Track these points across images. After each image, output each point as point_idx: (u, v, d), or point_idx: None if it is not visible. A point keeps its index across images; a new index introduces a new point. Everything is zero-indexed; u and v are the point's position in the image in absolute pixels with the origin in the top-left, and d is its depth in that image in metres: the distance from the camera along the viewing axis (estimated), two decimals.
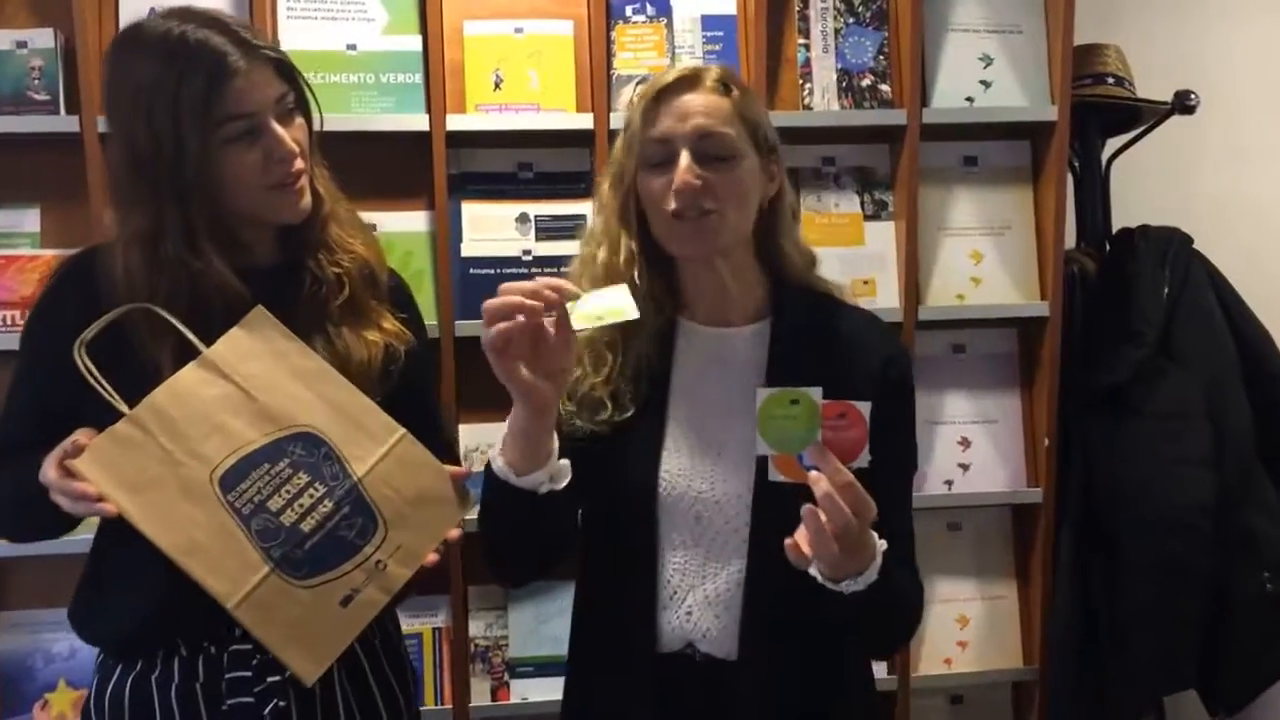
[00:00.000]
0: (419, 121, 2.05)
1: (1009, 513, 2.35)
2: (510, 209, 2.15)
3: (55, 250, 2.02)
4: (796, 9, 2.21)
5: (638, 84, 2.11)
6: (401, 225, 2.13)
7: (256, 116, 1.28)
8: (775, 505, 1.25)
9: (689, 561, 1.33)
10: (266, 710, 1.32)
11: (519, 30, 2.13)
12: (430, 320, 2.03)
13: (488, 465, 1.28)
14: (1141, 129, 2.34)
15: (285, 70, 1.33)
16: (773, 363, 1.35)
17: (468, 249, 2.13)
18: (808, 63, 2.21)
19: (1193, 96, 2.22)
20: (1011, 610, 2.34)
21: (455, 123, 2.06)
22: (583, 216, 2.15)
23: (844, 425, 1.14)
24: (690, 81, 1.32)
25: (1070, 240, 2.31)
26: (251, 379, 1.29)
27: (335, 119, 1.96)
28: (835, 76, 2.21)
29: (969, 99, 2.23)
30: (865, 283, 2.21)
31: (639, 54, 2.15)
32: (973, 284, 2.26)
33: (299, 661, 1.25)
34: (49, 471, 1.22)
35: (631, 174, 1.33)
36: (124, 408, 1.26)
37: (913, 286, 2.19)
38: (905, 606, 1.33)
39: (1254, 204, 2.65)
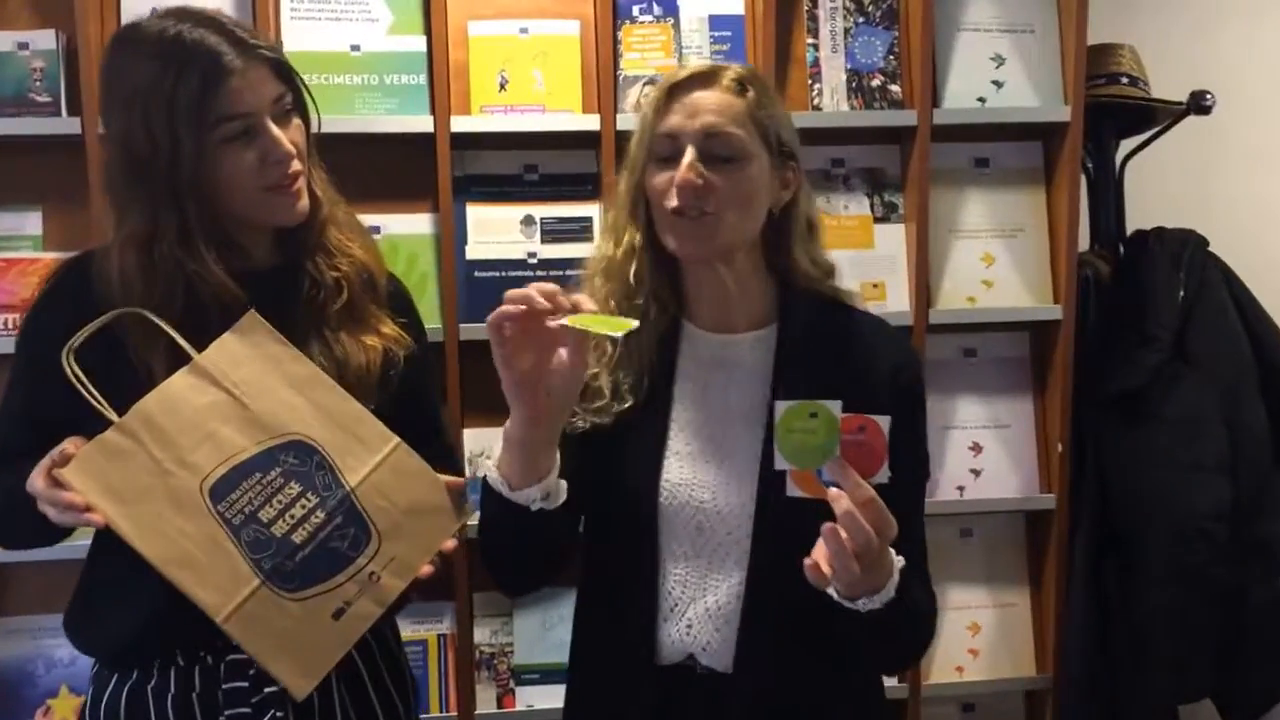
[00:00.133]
0: (423, 123, 2.04)
1: (1021, 519, 2.33)
2: (515, 211, 2.15)
3: (57, 253, 2.01)
4: (805, 8, 2.20)
5: (645, 85, 2.12)
6: (406, 228, 2.12)
7: (253, 117, 1.27)
8: (778, 516, 1.23)
9: (690, 573, 1.30)
10: None
11: (524, 30, 2.12)
12: (434, 324, 2.05)
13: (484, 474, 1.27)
14: (1156, 130, 2.32)
15: (283, 70, 1.32)
16: (778, 371, 1.32)
17: (472, 252, 2.12)
18: (816, 63, 2.19)
19: (1208, 96, 2.20)
20: (1024, 618, 2.32)
21: (460, 124, 2.05)
22: (589, 219, 2.15)
23: (863, 439, 1.11)
24: (705, 78, 1.30)
25: (1084, 243, 2.29)
26: (243, 386, 1.27)
27: (339, 120, 1.99)
28: (845, 77, 2.19)
29: (981, 99, 2.21)
30: (875, 286, 2.19)
31: (646, 54, 2.14)
32: (984, 287, 2.25)
33: (290, 676, 1.23)
34: (36, 481, 1.21)
35: (641, 167, 1.32)
36: (113, 416, 1.24)
37: (923, 289, 2.18)
38: (919, 625, 1.30)
39: (1271, 205, 2.62)
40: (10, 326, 2.00)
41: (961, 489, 2.25)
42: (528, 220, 2.14)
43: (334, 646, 1.25)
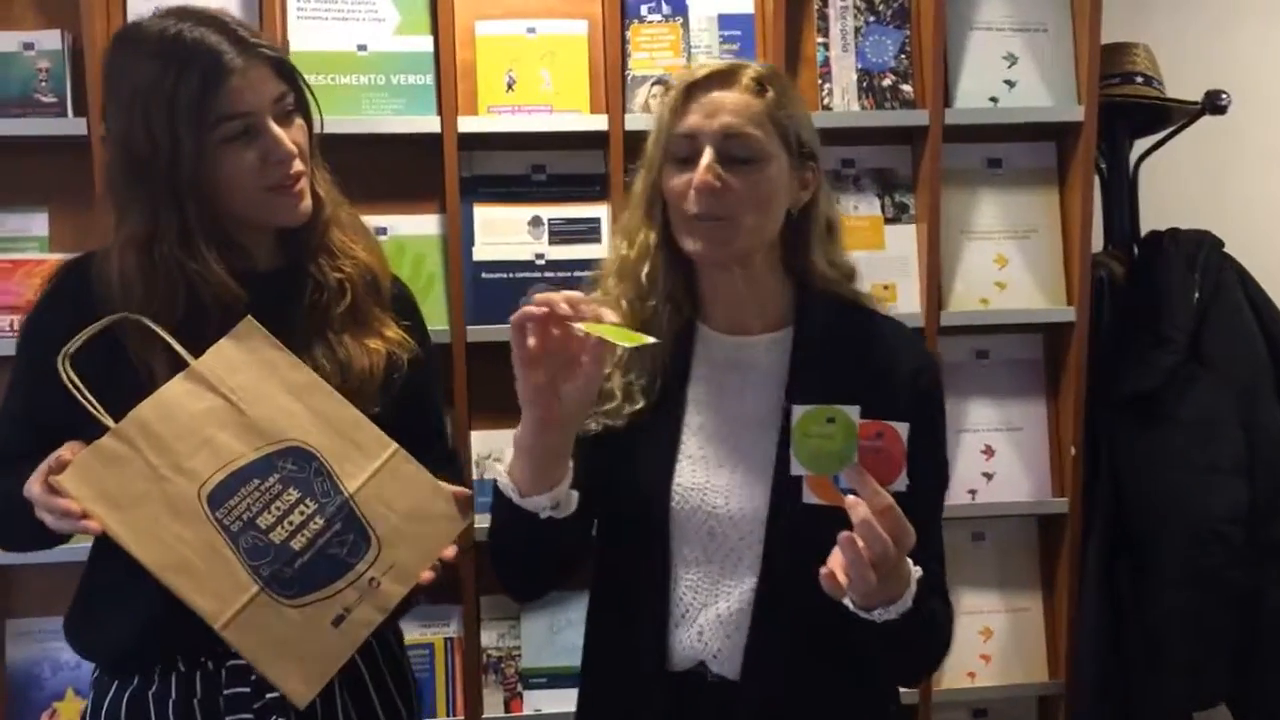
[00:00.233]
0: (430, 123, 2.04)
1: (1034, 523, 2.31)
2: (523, 212, 2.14)
3: (63, 254, 1.98)
4: (815, 7, 2.19)
5: (653, 84, 2.11)
6: (412, 229, 2.12)
7: (253, 116, 1.26)
8: (791, 523, 1.21)
9: (702, 579, 1.29)
10: None
11: (532, 30, 2.11)
12: (441, 325, 2.05)
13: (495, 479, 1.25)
14: (1171, 129, 2.30)
15: (284, 70, 1.31)
16: (794, 374, 1.30)
17: (480, 253, 2.11)
18: (827, 62, 2.18)
19: (1224, 96, 2.18)
20: (1036, 623, 2.30)
21: (467, 124, 2.04)
22: (597, 220, 2.14)
23: (881, 445, 1.09)
24: (724, 78, 1.28)
25: (1097, 243, 2.28)
26: (240, 391, 1.26)
27: (345, 120, 1.99)
28: (855, 76, 2.18)
29: (993, 99, 2.20)
30: (886, 287, 2.18)
31: (654, 54, 2.13)
32: (997, 288, 2.23)
33: (290, 683, 1.21)
34: (33, 487, 1.20)
35: (657, 167, 1.30)
36: (108, 421, 1.23)
37: (934, 291, 2.16)
38: (935, 636, 1.28)
39: None
40: (16, 328, 1.99)
41: (973, 492, 2.23)
42: (535, 221, 2.13)
43: (335, 654, 1.24)
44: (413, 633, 2.10)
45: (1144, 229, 2.31)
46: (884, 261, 2.19)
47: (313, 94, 1.36)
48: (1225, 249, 2.18)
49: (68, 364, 1.23)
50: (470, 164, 2.12)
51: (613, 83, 2.07)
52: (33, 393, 1.34)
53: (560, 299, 1.13)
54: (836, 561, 1.10)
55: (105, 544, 1.22)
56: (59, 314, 1.32)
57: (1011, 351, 2.28)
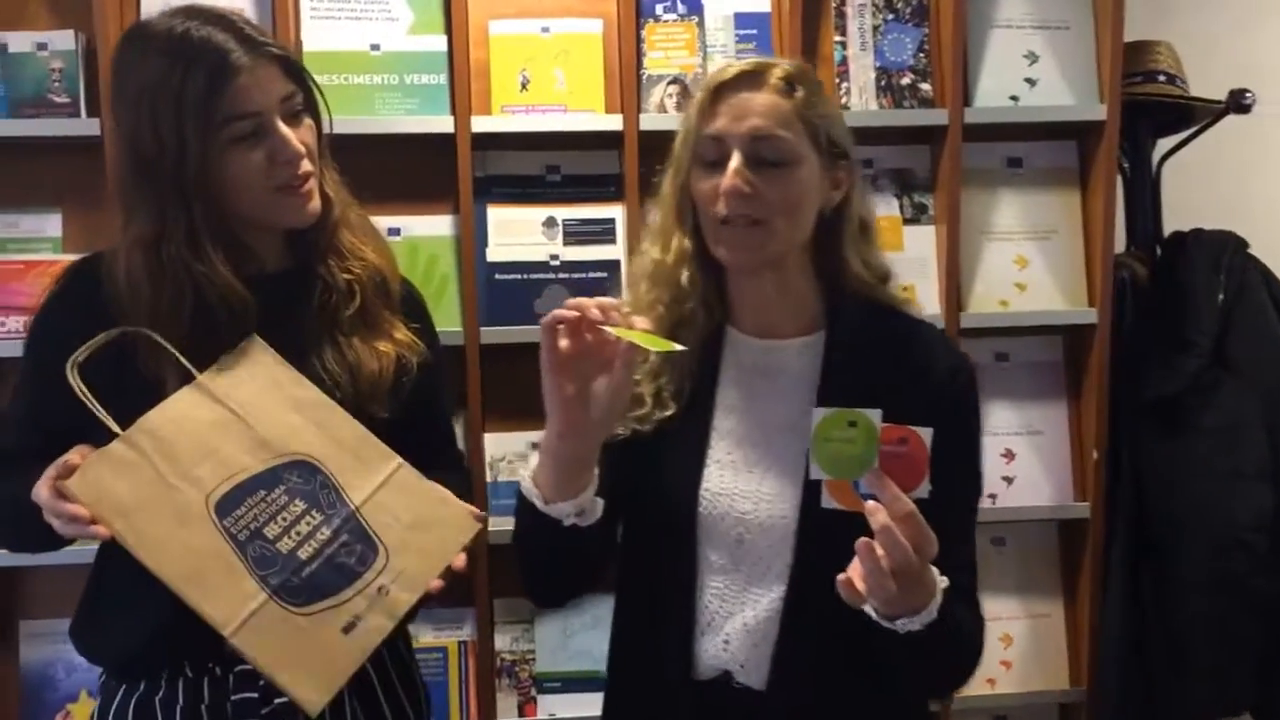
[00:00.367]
0: (444, 123, 2.03)
1: (1055, 528, 2.29)
2: (537, 213, 2.13)
3: (76, 255, 1.97)
4: (833, 6, 2.17)
5: (669, 84, 2.10)
6: (426, 229, 2.11)
7: (261, 116, 1.25)
8: (822, 530, 1.18)
9: (729, 587, 1.27)
10: None
11: (546, 29, 2.10)
12: (455, 327, 2.04)
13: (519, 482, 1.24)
14: (1194, 129, 2.28)
15: (293, 69, 1.30)
16: (826, 378, 1.28)
17: (493, 254, 2.10)
18: (844, 61, 2.16)
19: (1248, 95, 2.16)
20: (1057, 629, 2.28)
21: (481, 124, 2.03)
22: (612, 220, 2.13)
23: (904, 451, 1.07)
24: (752, 78, 1.25)
25: (1119, 244, 2.25)
26: (246, 406, 1.27)
27: (358, 121, 1.99)
28: (873, 75, 2.16)
29: (1013, 98, 2.18)
30: (904, 289, 2.12)
31: (670, 53, 2.12)
32: (1017, 290, 2.22)
33: (302, 690, 1.20)
34: (41, 491, 1.19)
35: (685, 169, 1.28)
36: (116, 429, 1.23)
37: (954, 292, 2.15)
38: (964, 648, 1.24)
39: None
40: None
41: (993, 497, 2.21)
42: (549, 222, 2.12)
43: (346, 661, 1.23)
44: (426, 636, 2.10)
45: (1167, 229, 2.29)
46: (902, 263, 2.14)
47: (321, 94, 1.35)
48: (1250, 250, 2.16)
49: (76, 371, 1.23)
50: (484, 164, 2.11)
51: (627, 82, 2.06)
52: (39, 395, 1.34)
53: (592, 304, 1.12)
54: (855, 569, 1.08)
55: (111, 549, 1.21)
56: (66, 315, 1.31)
57: (1032, 354, 2.26)
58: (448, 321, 2.05)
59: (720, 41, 2.12)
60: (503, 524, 2.03)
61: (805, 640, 1.24)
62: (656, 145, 2.00)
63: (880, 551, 1.04)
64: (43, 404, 1.33)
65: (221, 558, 1.20)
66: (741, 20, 2.13)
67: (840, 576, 1.08)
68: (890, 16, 2.17)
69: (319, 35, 2.04)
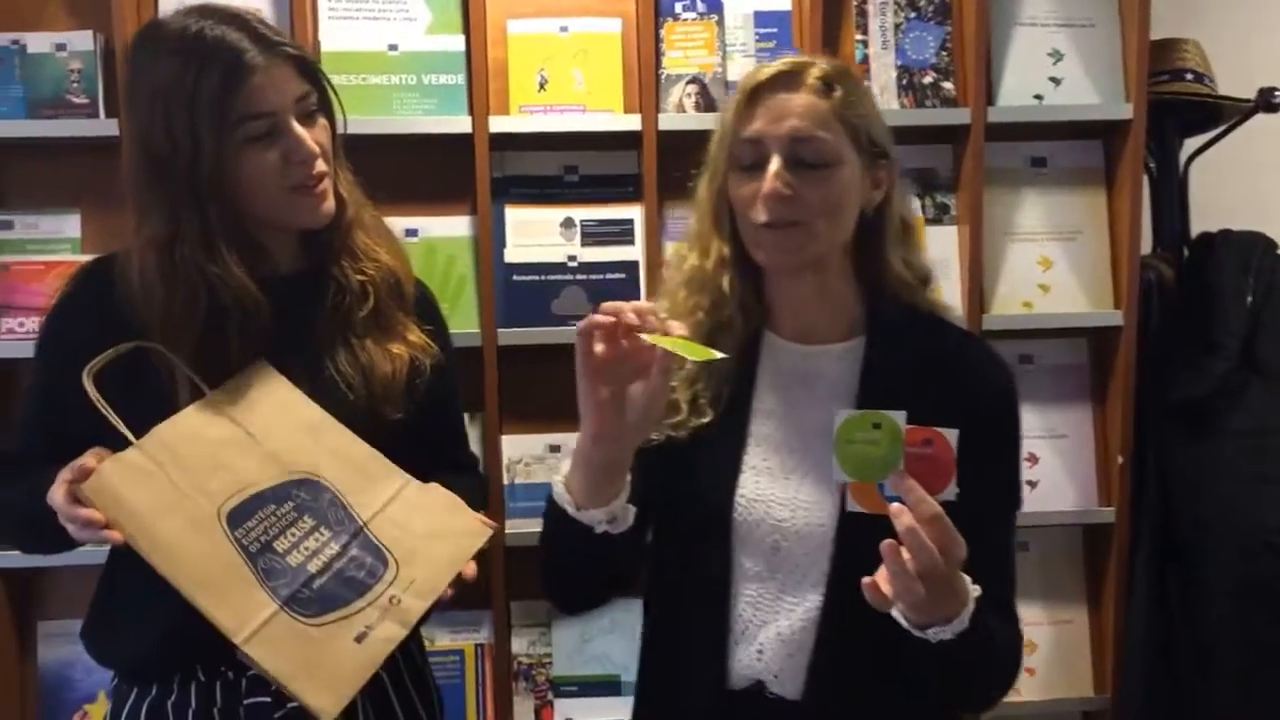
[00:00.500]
0: (461, 123, 2.03)
1: (1079, 533, 2.27)
2: (555, 213, 2.12)
3: (96, 256, 2.01)
4: (854, 4, 2.16)
5: (688, 83, 2.09)
6: (443, 230, 2.11)
7: (276, 116, 1.24)
8: (862, 538, 1.13)
9: (763, 595, 1.24)
10: None
11: (564, 29, 2.09)
12: (472, 328, 2.04)
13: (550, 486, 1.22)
14: (1222, 128, 2.26)
15: (307, 69, 1.29)
16: (865, 384, 1.26)
17: (511, 255, 2.09)
18: (866, 60, 2.15)
19: (1278, 93, 2.14)
20: (1081, 636, 2.26)
21: (498, 124, 2.03)
22: (630, 221, 2.12)
23: (929, 453, 1.05)
24: (789, 79, 1.23)
25: (1146, 245, 2.24)
26: (256, 425, 1.27)
27: (376, 121, 2.00)
28: (895, 74, 2.15)
29: (1038, 97, 2.17)
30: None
31: (689, 53, 2.11)
32: (1041, 291, 2.20)
33: (316, 698, 1.19)
34: (56, 495, 1.19)
35: (722, 173, 1.26)
36: (130, 437, 1.23)
37: (976, 294, 2.13)
38: (999, 660, 1.22)
39: None
40: None
41: None
42: (568, 222, 2.12)
43: (359, 669, 1.22)
44: (442, 639, 2.10)
45: (1194, 230, 2.26)
46: None
47: (336, 93, 1.34)
48: (1279, 251, 2.12)
49: (91, 380, 1.23)
50: (502, 164, 2.11)
51: (646, 82, 2.05)
52: (51, 397, 1.34)
53: (628, 308, 1.10)
54: (882, 573, 1.06)
55: (122, 552, 1.21)
56: (78, 317, 1.31)
57: (1056, 356, 2.25)
58: (465, 323, 2.04)
59: (740, 40, 2.11)
60: (520, 526, 2.02)
61: (842, 650, 1.21)
62: (675, 145, 2.02)
63: (906, 555, 1.02)
64: (54, 406, 1.33)
65: (233, 567, 1.20)
66: (761, 19, 2.12)
67: (865, 580, 1.06)
68: (912, 15, 2.16)
69: (337, 35, 2.04)
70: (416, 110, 2.04)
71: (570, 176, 2.14)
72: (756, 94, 1.23)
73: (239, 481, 1.24)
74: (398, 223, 1.97)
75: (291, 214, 1.31)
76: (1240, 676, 2.03)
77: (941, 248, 2.17)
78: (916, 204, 2.19)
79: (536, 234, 2.11)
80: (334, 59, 2.00)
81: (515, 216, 2.11)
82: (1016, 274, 2.20)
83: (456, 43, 2.06)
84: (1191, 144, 2.30)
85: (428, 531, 1.29)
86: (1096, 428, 2.23)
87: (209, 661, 1.29)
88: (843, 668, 1.22)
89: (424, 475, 1.35)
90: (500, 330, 2.04)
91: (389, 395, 1.33)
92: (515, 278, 2.08)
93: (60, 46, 1.99)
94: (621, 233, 2.10)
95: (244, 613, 1.18)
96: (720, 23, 2.11)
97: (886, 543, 1.03)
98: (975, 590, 1.10)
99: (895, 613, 1.09)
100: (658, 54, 2.08)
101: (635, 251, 2.09)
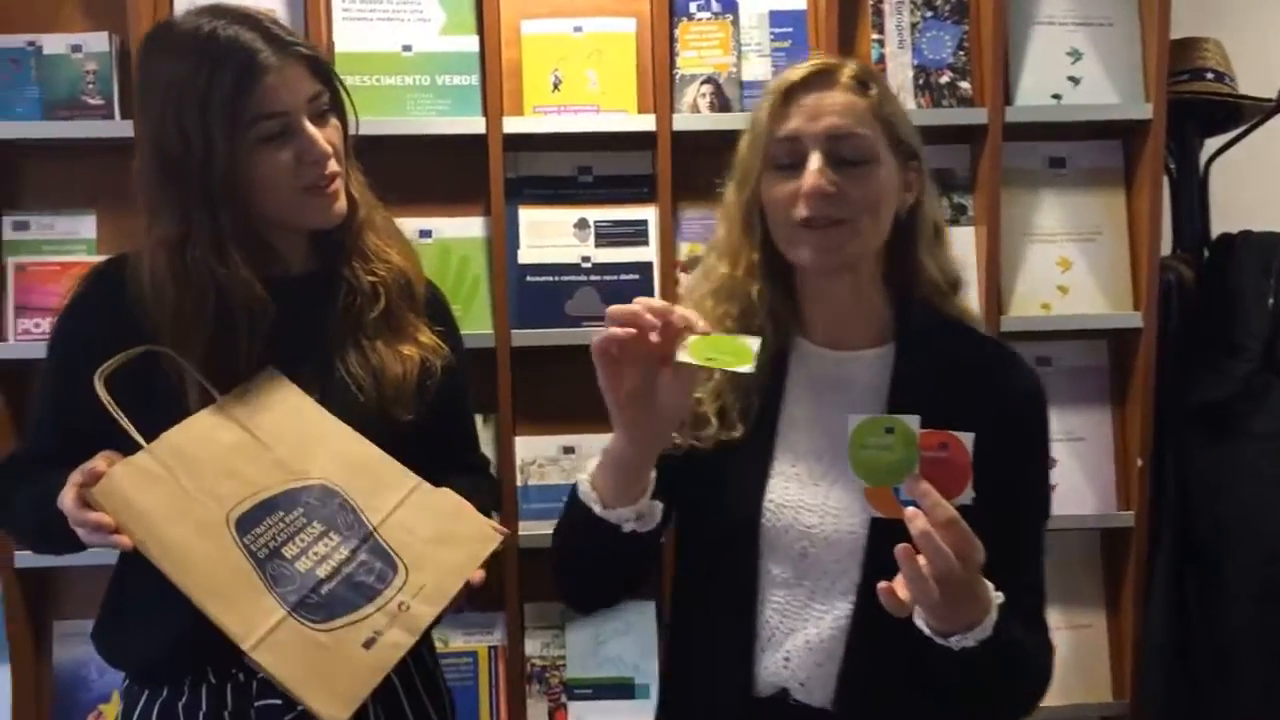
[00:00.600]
0: (475, 124, 2.02)
1: (1097, 537, 2.26)
2: (569, 214, 2.12)
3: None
4: (870, 3, 2.14)
5: (702, 83, 2.08)
6: (457, 231, 2.10)
7: (288, 116, 1.24)
8: (893, 547, 1.12)
9: (790, 602, 1.23)
10: None
11: (578, 29, 2.09)
12: (486, 329, 2.04)
13: (574, 485, 1.21)
14: (1243, 128, 2.24)
15: (320, 69, 1.29)
16: (895, 389, 1.25)
17: (525, 255, 2.09)
18: (882, 59, 2.14)
19: None
20: (1099, 640, 2.24)
21: (512, 125, 2.03)
22: (644, 222, 2.12)
23: (945, 456, 1.04)
24: (824, 77, 1.23)
25: (1165, 247, 2.22)
26: (266, 431, 1.27)
27: (390, 122, 2.00)
28: (911, 73, 2.14)
29: (1056, 96, 2.15)
30: None
31: (703, 52, 2.10)
32: (1060, 293, 2.18)
33: (323, 704, 1.19)
34: (66, 499, 1.19)
35: (755, 177, 1.25)
36: (141, 441, 1.23)
37: (994, 296, 2.11)
38: (1025, 670, 1.20)
39: None
40: None
41: None
42: (581, 223, 2.11)
43: (367, 676, 1.22)
44: (456, 640, 2.10)
45: (1214, 231, 2.25)
46: None
47: (348, 93, 1.34)
48: None
49: (102, 383, 1.23)
50: (516, 165, 2.10)
51: (660, 82, 2.05)
52: (62, 398, 1.34)
53: (643, 311, 1.07)
54: (900, 578, 1.05)
55: (133, 555, 1.21)
56: (88, 319, 1.32)
57: (1075, 358, 2.23)
58: (478, 324, 2.04)
59: (755, 40, 2.10)
60: (533, 528, 2.02)
61: (873, 659, 1.20)
62: (690, 146, 2.02)
63: (922, 559, 1.01)
64: (65, 407, 1.33)
65: (242, 573, 1.20)
66: (777, 18, 2.11)
67: (881, 585, 1.05)
68: (929, 14, 2.15)
69: (351, 36, 2.04)
70: (430, 111, 2.04)
71: (584, 177, 2.13)
72: (791, 93, 1.22)
73: (248, 487, 1.24)
74: (411, 224, 1.97)
75: (304, 214, 1.30)
76: (1261, 681, 2.01)
77: (959, 249, 2.07)
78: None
79: (550, 235, 2.10)
80: (348, 60, 2.00)
81: (529, 217, 2.11)
82: (1035, 275, 2.18)
83: (470, 43, 2.06)
84: (1212, 144, 2.28)
85: (437, 536, 1.28)
86: (1115, 430, 2.22)
87: (220, 664, 1.29)
88: (874, 677, 1.20)
89: (435, 477, 1.34)
90: (514, 331, 2.04)
91: (399, 397, 1.33)
92: (529, 279, 2.07)
93: (76, 48, 2.00)
94: (636, 234, 2.09)
95: (252, 619, 1.18)
96: (735, 22, 2.10)
97: (901, 547, 1.02)
98: (998, 597, 1.09)
99: (918, 620, 1.08)
100: (672, 54, 2.08)
101: (649, 252, 2.08)
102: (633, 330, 1.07)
